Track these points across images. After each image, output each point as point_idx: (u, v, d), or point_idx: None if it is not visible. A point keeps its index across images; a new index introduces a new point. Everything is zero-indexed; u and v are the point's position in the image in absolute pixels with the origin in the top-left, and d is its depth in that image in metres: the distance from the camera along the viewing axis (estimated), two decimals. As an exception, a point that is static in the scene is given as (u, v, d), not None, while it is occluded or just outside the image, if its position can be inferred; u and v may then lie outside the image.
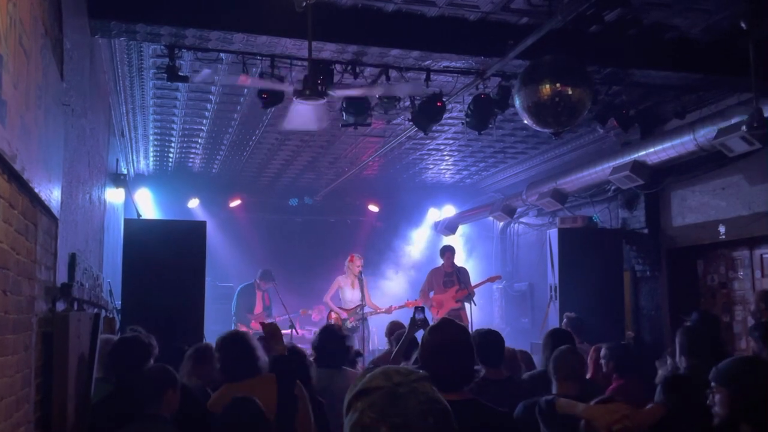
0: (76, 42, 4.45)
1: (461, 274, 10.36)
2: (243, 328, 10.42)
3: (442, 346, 2.61)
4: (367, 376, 1.45)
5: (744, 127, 6.28)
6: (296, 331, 9.65)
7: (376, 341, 10.71)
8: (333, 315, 10.37)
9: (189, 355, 4.39)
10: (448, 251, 10.51)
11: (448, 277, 10.37)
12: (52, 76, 3.39)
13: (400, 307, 10.37)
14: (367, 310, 10.37)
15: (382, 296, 11.95)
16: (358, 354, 5.97)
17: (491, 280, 11.12)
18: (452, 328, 2.71)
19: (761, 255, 7.71)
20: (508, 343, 5.49)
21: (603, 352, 5.24)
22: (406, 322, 4.63)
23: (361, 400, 1.38)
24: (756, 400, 2.66)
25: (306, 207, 13.35)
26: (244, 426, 3.17)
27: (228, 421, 3.20)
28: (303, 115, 6.50)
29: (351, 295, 10.37)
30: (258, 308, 10.60)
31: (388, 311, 10.31)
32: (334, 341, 4.71)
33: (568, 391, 3.66)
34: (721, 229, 7.80)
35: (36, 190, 2.98)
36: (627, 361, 5.07)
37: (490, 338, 4.25)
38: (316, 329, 11.21)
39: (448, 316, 7.90)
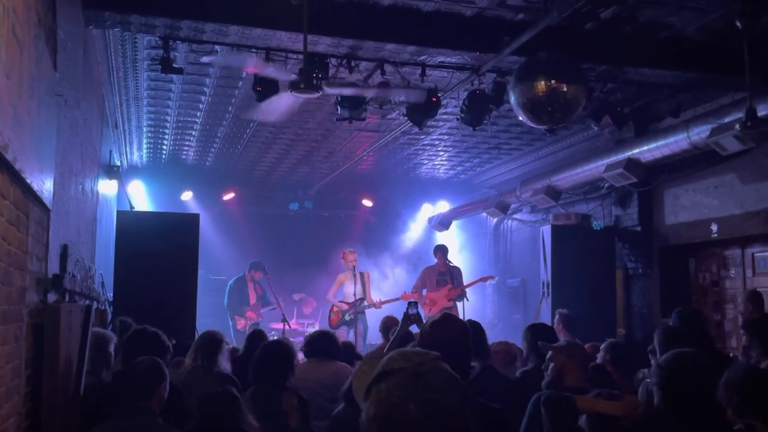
0: (69, 32, 4.42)
1: (454, 273, 10.44)
2: (240, 321, 10.48)
3: (442, 341, 2.62)
4: (384, 360, 1.53)
5: (738, 126, 6.29)
6: (288, 325, 9.67)
7: (376, 336, 10.74)
8: (335, 308, 10.57)
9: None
10: (439, 251, 10.59)
11: (442, 276, 10.44)
12: (45, 67, 3.37)
13: (392, 300, 10.42)
14: (366, 304, 10.43)
15: (375, 290, 11.95)
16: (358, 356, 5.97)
17: (484, 279, 11.15)
18: (453, 323, 2.74)
19: (753, 254, 7.75)
20: (502, 339, 5.53)
21: (604, 344, 5.33)
22: (397, 317, 4.63)
23: (384, 381, 1.46)
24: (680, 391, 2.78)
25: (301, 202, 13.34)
26: (221, 418, 3.17)
27: (206, 413, 3.21)
28: (274, 106, 6.46)
29: (350, 290, 10.48)
30: (253, 299, 10.70)
31: (377, 305, 10.34)
32: None
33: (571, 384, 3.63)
34: (714, 227, 7.83)
35: (28, 181, 2.96)
36: (622, 357, 5.16)
37: (475, 329, 4.30)
38: (310, 322, 11.31)
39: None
